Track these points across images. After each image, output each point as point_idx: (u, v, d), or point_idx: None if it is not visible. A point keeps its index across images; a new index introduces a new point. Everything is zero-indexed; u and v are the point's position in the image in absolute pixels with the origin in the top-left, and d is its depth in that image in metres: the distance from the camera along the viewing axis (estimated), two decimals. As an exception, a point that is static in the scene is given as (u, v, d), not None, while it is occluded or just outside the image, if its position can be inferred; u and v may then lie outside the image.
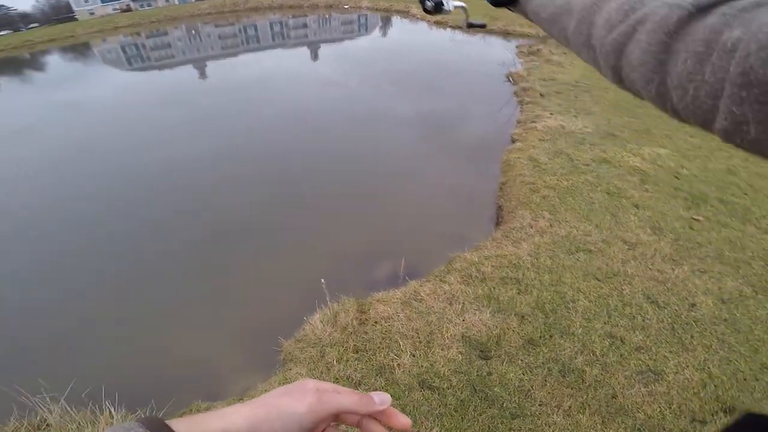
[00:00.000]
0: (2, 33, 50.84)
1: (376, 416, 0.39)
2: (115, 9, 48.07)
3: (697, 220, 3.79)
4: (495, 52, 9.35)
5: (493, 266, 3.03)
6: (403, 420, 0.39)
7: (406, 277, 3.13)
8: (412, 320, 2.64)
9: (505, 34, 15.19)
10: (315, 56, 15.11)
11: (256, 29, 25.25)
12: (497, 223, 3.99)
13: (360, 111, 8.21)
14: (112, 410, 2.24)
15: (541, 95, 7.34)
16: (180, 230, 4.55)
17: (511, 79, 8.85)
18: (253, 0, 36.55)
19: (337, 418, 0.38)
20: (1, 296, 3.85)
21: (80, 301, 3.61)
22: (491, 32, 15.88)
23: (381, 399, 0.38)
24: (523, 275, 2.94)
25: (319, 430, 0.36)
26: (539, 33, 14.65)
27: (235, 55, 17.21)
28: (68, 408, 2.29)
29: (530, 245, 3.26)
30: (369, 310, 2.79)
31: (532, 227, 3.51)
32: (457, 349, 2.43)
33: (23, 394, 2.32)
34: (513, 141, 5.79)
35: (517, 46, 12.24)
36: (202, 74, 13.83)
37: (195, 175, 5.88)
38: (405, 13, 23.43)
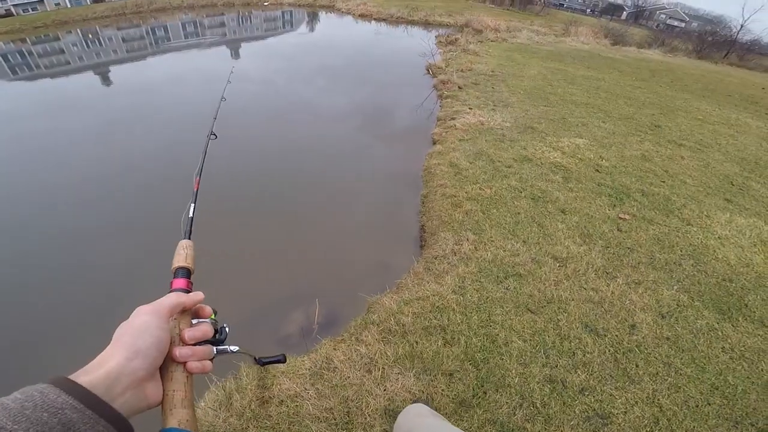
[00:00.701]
0: None
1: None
2: (-8, 14, 41.24)
3: (624, 219, 3.55)
4: (416, 43, 8.95)
5: (414, 313, 2.52)
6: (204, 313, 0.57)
7: (318, 336, 2.60)
8: (324, 397, 2.09)
9: (426, 24, 15.11)
10: (236, 54, 13.75)
11: (166, 30, 22.84)
12: (422, 245, 3.45)
13: (281, 108, 7.33)
14: None
15: (460, 88, 7.01)
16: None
17: (430, 71, 8.48)
18: (160, 1, 33.28)
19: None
20: None
21: None
22: (413, 22, 15.70)
23: (194, 293, 0.55)
24: (448, 320, 2.45)
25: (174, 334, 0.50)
26: (456, 22, 14.72)
27: (143, 57, 15.22)
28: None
29: (454, 278, 2.76)
30: (272, 385, 2.18)
31: (455, 254, 3.00)
32: (381, 426, 1.97)
33: None
34: (434, 142, 5.31)
35: (436, 36, 12.04)
36: (105, 80, 12.06)
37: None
38: (330, 8, 22.62)
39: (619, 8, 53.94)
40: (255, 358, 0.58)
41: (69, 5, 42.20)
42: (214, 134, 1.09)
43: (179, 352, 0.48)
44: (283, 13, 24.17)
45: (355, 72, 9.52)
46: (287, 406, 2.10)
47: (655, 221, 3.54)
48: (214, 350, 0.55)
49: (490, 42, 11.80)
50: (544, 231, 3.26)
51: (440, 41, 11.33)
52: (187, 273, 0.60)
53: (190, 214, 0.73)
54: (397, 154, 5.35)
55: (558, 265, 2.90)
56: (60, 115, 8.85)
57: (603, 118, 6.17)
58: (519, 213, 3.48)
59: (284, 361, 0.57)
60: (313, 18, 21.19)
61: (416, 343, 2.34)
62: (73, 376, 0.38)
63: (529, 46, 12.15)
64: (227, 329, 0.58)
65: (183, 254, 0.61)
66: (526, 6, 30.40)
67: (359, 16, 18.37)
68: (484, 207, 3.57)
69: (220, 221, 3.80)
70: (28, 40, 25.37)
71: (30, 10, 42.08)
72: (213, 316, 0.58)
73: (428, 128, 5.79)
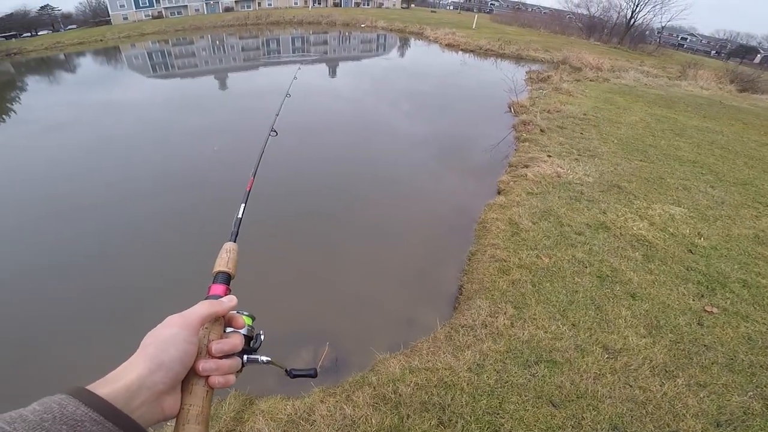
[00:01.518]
0: (42, 32, 53.81)
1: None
2: (147, 15, 50.12)
3: (710, 313, 3.02)
4: (502, 78, 8.76)
5: (417, 384, 2.34)
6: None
7: (310, 382, 2.53)
8: None
9: (518, 59, 14.65)
10: (333, 73, 14.91)
11: (278, 43, 25.63)
12: (454, 308, 3.23)
13: (360, 125, 7.74)
14: None
15: (542, 131, 6.64)
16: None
17: (512, 109, 8.20)
18: (275, 14, 37.65)
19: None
20: None
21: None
22: (504, 56, 15.37)
23: (228, 299, 0.54)
24: (451, 399, 2.24)
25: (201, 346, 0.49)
26: (552, 58, 14.09)
27: (256, 67, 17.12)
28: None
29: (475, 354, 2.53)
30: (248, 420, 2.19)
31: (485, 327, 2.76)
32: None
33: None
34: (498, 192, 4.98)
35: (527, 72, 11.66)
36: (223, 84, 13.73)
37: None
38: (419, 35, 23.37)
39: (753, 50, 47.01)
40: (286, 370, 0.56)
41: (205, 12, 49.85)
42: (275, 131, 1.07)
43: (203, 366, 0.47)
44: (377, 36, 25.63)
45: (435, 101, 9.65)
46: None
47: (751, 318, 2.95)
48: (244, 360, 0.53)
49: (589, 81, 11.06)
50: (603, 316, 2.89)
51: (530, 77, 10.94)
52: (227, 278, 0.58)
53: (239, 215, 0.70)
54: (455, 198, 5.10)
55: (606, 356, 2.54)
56: (180, 110, 10.40)
57: (712, 182, 5.33)
58: (577, 291, 3.11)
59: (315, 376, 0.55)
60: (403, 44, 22.09)
61: (407, 417, 2.16)
62: (92, 387, 0.38)
63: (634, 88, 11.11)
64: (263, 337, 0.56)
65: (225, 258, 0.59)
66: (638, 45, 28.05)
67: (446, 45, 18.64)
68: (536, 279, 3.24)
69: (258, 226, 3.99)
70: (169, 41, 30.47)
71: (176, 13, 50.52)
72: (250, 322, 0.55)
73: (496, 174, 5.47)
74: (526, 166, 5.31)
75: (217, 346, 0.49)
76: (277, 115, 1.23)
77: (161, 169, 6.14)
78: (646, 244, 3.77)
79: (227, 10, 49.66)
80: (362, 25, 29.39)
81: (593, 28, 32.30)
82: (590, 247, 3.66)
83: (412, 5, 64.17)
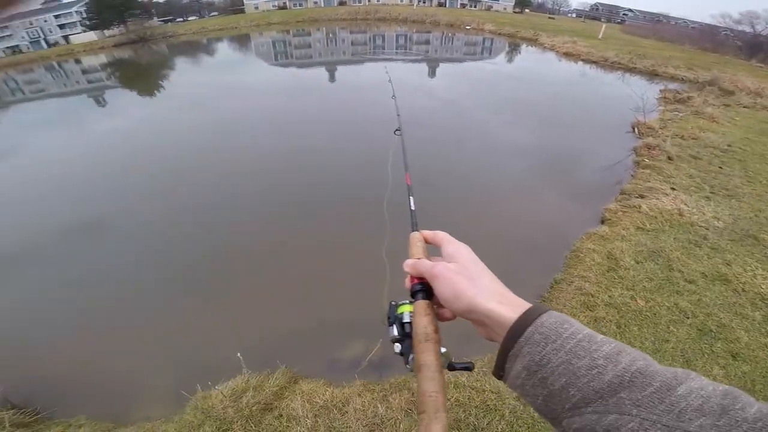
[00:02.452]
0: (191, 18, 63.35)
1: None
2: (274, 6, 55.83)
3: None
4: (630, 94, 7.84)
5: (456, 401, 2.29)
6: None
7: (358, 373, 2.65)
8: None
9: (651, 75, 12.90)
10: (432, 73, 14.94)
11: (383, 39, 26.56)
12: None
13: (453, 128, 7.76)
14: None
15: (669, 158, 5.82)
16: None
17: (636, 130, 7.33)
18: (382, 11, 38.99)
19: None
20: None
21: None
22: (634, 70, 13.67)
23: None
24: (487, 424, 2.16)
25: None
26: (697, 78, 12.11)
27: (361, 62, 18.04)
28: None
29: None
30: (286, 396, 2.36)
31: None
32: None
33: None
34: (602, 221, 4.50)
35: (661, 90, 10.26)
36: (332, 76, 14.84)
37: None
38: (532, 41, 21.99)
39: None
40: (449, 362, 0.52)
41: (322, 5, 53.95)
42: (400, 130, 1.11)
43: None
44: (483, 39, 24.86)
45: (545, 111, 9.06)
46: (280, 423, 2.20)
47: None
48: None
49: (741, 108, 9.32)
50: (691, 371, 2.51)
51: (665, 97, 9.60)
52: None
53: (412, 207, 0.74)
54: (549, 219, 4.72)
55: None
56: (295, 97, 11.52)
57: None
58: (668, 341, 2.73)
59: (472, 369, 0.54)
60: (513, 49, 21.05)
61: None
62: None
63: (802, 121, 9.10)
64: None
65: (420, 246, 0.59)
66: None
67: (564, 54, 17.24)
68: (624, 321, 2.91)
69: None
70: (290, 31, 33.66)
71: (298, 5, 55.57)
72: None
73: (603, 200, 4.91)
74: (642, 197, 4.74)
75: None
76: (398, 115, 1.30)
77: (284, 150, 6.96)
78: (773, 306, 3.15)
79: (341, 3, 52.99)
80: (467, 27, 28.81)
81: (757, 47, 26.97)
82: (699, 297, 3.18)
83: (527, 10, 60.67)
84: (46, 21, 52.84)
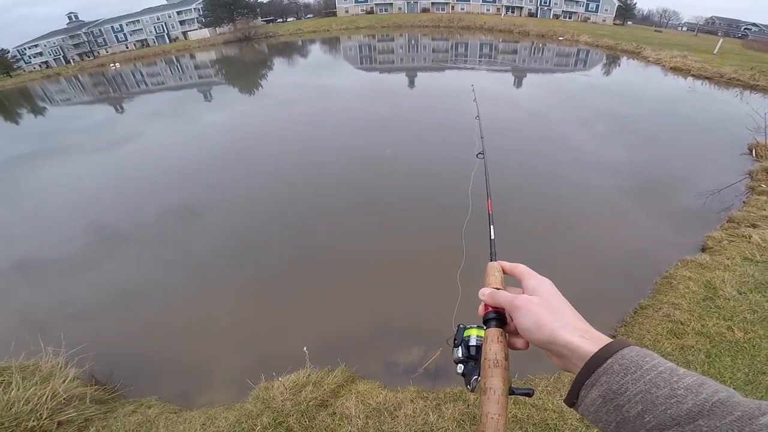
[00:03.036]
0: (289, 19, 68.53)
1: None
2: (362, 10, 58.44)
3: None
4: (750, 113, 6.94)
5: (514, 417, 2.24)
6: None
7: (413, 379, 2.68)
8: None
9: (779, 95, 11.18)
10: (518, 83, 14.48)
11: (466, 47, 26.37)
12: None
13: (537, 140, 7.62)
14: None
15: (795, 189, 5.12)
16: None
17: (753, 152, 6.50)
18: (467, 19, 38.35)
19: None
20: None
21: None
22: (756, 88, 11.92)
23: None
24: None
25: None
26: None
27: (442, 69, 18.08)
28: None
29: None
30: (342, 394, 2.42)
31: None
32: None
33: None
34: (702, 249, 4.15)
35: (790, 112, 8.89)
36: (411, 83, 15.20)
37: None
38: (635, 54, 20.15)
39: None
40: (509, 386, 0.53)
41: (405, 11, 55.16)
42: (483, 153, 1.10)
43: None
44: (578, 50, 23.39)
45: (640, 128, 8.40)
46: (333, 421, 2.24)
47: None
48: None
49: None
50: None
51: (795, 118, 8.38)
52: None
53: (492, 236, 0.73)
54: (639, 243, 4.39)
55: None
56: (375, 100, 12.10)
57: None
58: (765, 374, 2.49)
59: (531, 395, 0.54)
60: (611, 61, 19.52)
61: None
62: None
63: None
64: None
65: (498, 277, 0.61)
66: None
67: (671, 68, 15.59)
68: (716, 351, 2.69)
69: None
70: (375, 36, 35.00)
71: (383, 10, 57.58)
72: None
73: (705, 227, 4.50)
74: (754, 226, 4.24)
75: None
76: (482, 137, 1.24)
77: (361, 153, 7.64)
78: None
79: (424, 10, 53.68)
80: (560, 38, 27.30)
81: None
82: None
83: (629, 22, 55.51)
84: (170, 17, 60.97)
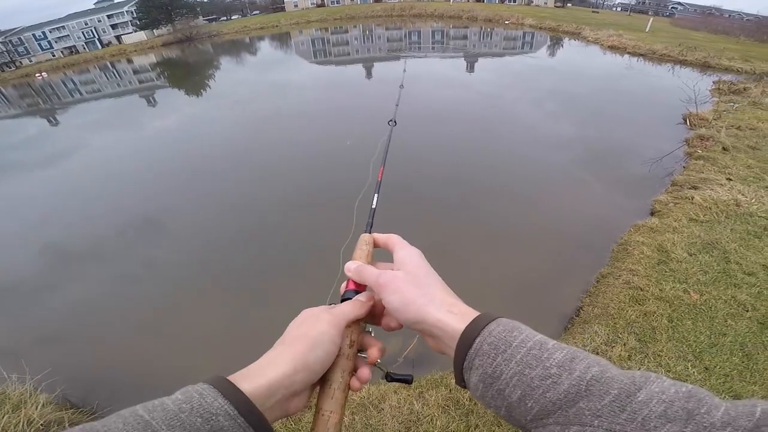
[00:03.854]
0: (234, 17, 65.58)
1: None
2: (312, 3, 57.05)
3: None
4: (681, 86, 7.56)
5: (457, 404, 2.33)
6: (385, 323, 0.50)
7: (393, 370, 2.80)
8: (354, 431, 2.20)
9: (704, 67, 12.22)
10: (471, 68, 14.83)
11: (419, 35, 26.53)
12: (566, 328, 3.09)
13: (493, 119, 7.83)
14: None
15: (725, 149, 5.63)
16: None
17: (688, 121, 7.09)
18: (418, 7, 38.84)
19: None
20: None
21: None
22: (685, 63, 12.99)
23: (366, 297, 0.50)
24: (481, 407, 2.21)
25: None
26: (754, 69, 11.36)
27: (397, 58, 18.08)
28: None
29: None
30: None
31: (596, 354, 2.50)
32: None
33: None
34: (651, 213, 4.43)
35: (714, 82, 9.77)
36: (369, 74, 15.09)
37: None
38: (575, 35, 21.23)
39: None
40: (386, 372, 0.52)
41: (358, 2, 54.39)
42: (394, 121, 1.07)
43: (365, 376, 0.47)
44: (523, 33, 24.24)
45: (590, 103, 8.92)
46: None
47: None
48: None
49: (805, 100, 8.77)
50: (749, 365, 2.47)
51: (719, 88, 9.16)
52: None
53: (373, 205, 0.67)
54: (594, 212, 4.66)
55: None
56: (329, 92, 11.91)
57: None
58: (725, 335, 2.70)
59: (411, 382, 0.52)
60: (555, 43, 20.43)
61: (475, 427, 2.11)
62: (235, 378, 0.37)
63: None
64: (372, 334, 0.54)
65: (365, 250, 0.55)
66: None
67: (608, 47, 16.59)
68: (677, 315, 2.87)
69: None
70: (328, 29, 34.19)
71: (335, 2, 56.33)
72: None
73: (652, 192, 4.84)
74: (695, 188, 4.65)
75: (365, 374, 0.48)
76: (397, 105, 1.26)
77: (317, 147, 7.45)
78: None
79: (376, 0, 53.30)
80: (506, 22, 28.16)
81: None
82: (760, 290, 3.08)
83: (569, 4, 58.27)
84: (99, 21, 56.34)
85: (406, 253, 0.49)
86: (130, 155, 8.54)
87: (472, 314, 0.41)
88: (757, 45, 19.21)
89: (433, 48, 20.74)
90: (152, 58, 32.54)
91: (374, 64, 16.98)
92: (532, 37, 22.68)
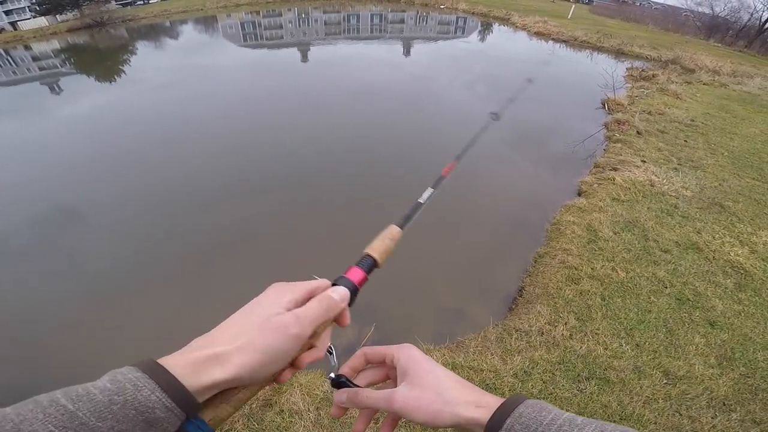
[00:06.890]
0: (153, 1, 59.17)
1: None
2: (243, -15, 53.04)
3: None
4: (598, 72, 8.04)
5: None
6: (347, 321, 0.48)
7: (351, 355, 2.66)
8: (321, 426, 2.11)
9: (618, 54, 13.27)
10: (407, 52, 14.72)
11: (357, 19, 25.86)
12: (510, 309, 3.14)
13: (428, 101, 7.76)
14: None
15: (638, 133, 6.05)
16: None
17: (606, 106, 7.55)
18: None
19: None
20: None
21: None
22: (602, 49, 13.97)
23: (341, 296, 0.46)
24: None
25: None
26: (660, 56, 12.53)
27: (335, 43, 17.38)
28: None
29: (524, 361, 2.44)
30: (285, 391, 2.27)
31: (542, 334, 2.65)
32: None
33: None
34: (579, 194, 4.65)
35: (627, 68, 10.58)
36: (305, 56, 14.40)
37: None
38: (505, 21, 22.00)
39: None
40: (333, 378, 0.50)
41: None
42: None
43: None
44: (457, 18, 24.62)
45: (515, 88, 9.20)
46: (283, 419, 2.14)
47: None
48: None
49: (702, 85, 9.74)
50: (672, 340, 2.66)
51: (631, 75, 9.93)
52: (371, 265, 0.51)
53: (421, 200, 0.60)
54: (528, 192, 4.81)
55: (665, 381, 2.38)
56: (264, 75, 11.19)
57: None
58: (650, 311, 2.88)
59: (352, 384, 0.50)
60: (486, 28, 20.99)
61: None
62: (176, 364, 0.34)
63: (758, 96, 9.56)
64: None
65: (384, 243, 0.52)
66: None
67: (535, 33, 17.35)
68: (608, 292, 3.04)
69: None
70: (260, 12, 32.09)
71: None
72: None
73: (578, 173, 5.09)
74: (615, 169, 4.92)
75: (309, 358, 0.44)
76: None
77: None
78: (742, 272, 3.36)
79: (315, -17, 50.88)
80: (441, 6, 28.38)
81: (715, 28, 28.34)
82: (675, 267, 3.35)
83: (500, -12, 60.53)
84: (-10, 8, 48.16)
85: (406, 356, 0.47)
86: (40, 144, 7.27)
87: (496, 402, 0.41)
88: (662, 33, 21.32)
89: (372, 32, 20.31)
90: (56, 44, 28.08)
91: (310, 47, 16.18)
92: (465, 22, 23.09)
